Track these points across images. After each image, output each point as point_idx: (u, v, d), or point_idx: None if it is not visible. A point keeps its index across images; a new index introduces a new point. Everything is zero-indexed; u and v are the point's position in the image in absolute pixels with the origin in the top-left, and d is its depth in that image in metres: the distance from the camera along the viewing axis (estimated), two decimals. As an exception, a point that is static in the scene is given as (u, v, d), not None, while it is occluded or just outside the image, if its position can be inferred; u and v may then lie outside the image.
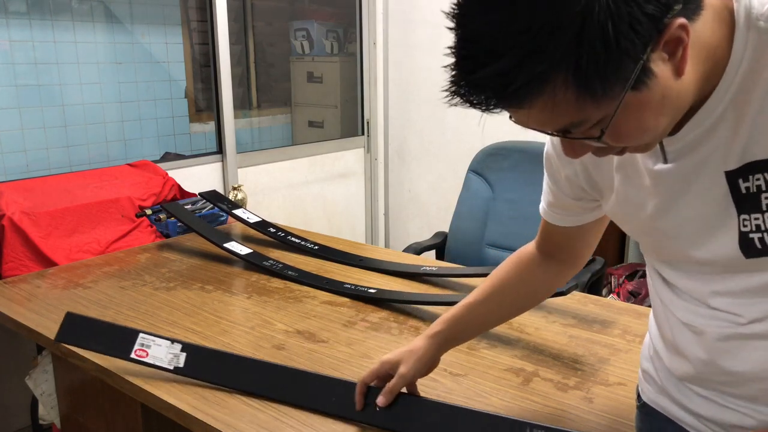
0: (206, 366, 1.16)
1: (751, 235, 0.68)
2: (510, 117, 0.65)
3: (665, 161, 0.72)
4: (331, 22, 3.33)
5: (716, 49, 0.64)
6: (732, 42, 0.64)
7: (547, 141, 0.90)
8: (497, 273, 1.03)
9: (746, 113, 0.65)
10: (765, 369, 0.72)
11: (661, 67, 0.60)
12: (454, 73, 0.61)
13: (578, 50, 0.55)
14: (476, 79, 0.59)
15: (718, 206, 0.69)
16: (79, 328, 1.23)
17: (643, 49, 0.57)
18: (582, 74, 0.57)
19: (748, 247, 0.68)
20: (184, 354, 1.17)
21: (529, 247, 1.03)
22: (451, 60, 0.61)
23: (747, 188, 0.67)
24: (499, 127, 2.56)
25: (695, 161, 0.70)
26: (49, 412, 1.67)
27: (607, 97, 0.59)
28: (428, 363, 1.00)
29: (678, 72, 0.61)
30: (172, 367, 1.16)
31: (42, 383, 1.68)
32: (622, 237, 2.89)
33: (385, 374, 1.01)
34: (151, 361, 1.16)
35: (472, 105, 0.62)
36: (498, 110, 0.62)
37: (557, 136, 0.65)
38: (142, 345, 1.18)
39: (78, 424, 1.45)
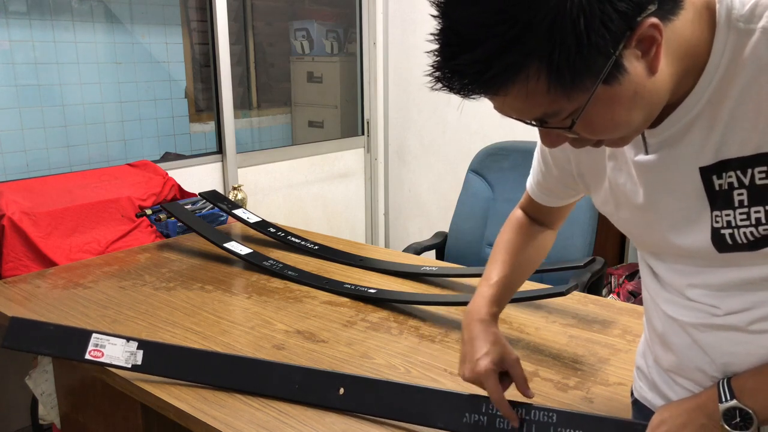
0: (164, 361, 1.16)
1: (722, 231, 0.70)
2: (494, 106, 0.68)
3: (646, 152, 0.74)
4: (331, 22, 3.33)
5: (696, 47, 0.65)
6: (713, 41, 0.65)
7: None
8: (512, 243, 1.04)
9: (722, 112, 0.66)
10: (741, 359, 0.73)
11: (634, 63, 0.61)
12: (436, 58, 0.63)
13: (551, 43, 0.58)
14: (455, 65, 0.61)
15: (694, 200, 0.72)
16: (27, 332, 1.20)
17: (614, 46, 0.59)
18: (554, 66, 0.59)
19: (719, 242, 0.70)
20: (141, 351, 1.16)
21: (519, 213, 1.07)
22: (434, 46, 0.63)
23: (720, 185, 0.69)
24: (499, 127, 2.58)
25: (673, 155, 0.72)
26: (49, 412, 1.68)
27: (578, 89, 0.61)
28: None
29: (651, 69, 0.63)
30: (129, 365, 1.15)
31: (42, 383, 1.68)
32: (622, 237, 2.89)
33: (498, 375, 0.93)
34: (107, 361, 1.15)
35: (452, 90, 0.64)
36: (476, 96, 0.64)
37: (533, 125, 0.67)
38: (97, 345, 1.17)
39: (78, 424, 1.45)
